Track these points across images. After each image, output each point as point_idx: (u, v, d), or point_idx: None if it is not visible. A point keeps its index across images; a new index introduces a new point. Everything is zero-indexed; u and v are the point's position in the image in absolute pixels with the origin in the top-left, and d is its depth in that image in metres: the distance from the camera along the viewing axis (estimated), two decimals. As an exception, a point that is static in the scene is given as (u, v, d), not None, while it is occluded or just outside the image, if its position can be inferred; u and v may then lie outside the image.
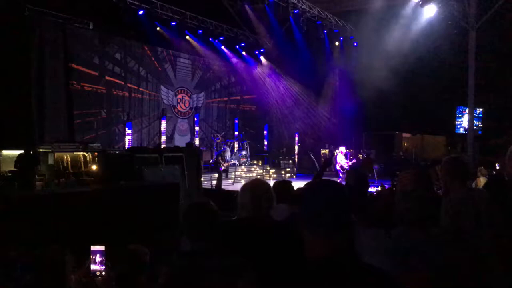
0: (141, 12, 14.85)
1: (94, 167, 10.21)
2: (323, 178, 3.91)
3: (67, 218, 4.65)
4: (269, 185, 2.85)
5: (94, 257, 2.40)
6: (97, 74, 14.92)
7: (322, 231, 1.55)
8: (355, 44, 19.59)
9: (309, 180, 4.64)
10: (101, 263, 2.42)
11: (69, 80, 13.92)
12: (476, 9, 14.86)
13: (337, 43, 19.60)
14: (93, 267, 2.47)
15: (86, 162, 10.57)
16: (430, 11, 14.79)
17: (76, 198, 5.29)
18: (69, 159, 10.37)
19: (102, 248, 2.40)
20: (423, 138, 20.76)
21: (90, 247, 2.41)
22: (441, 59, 16.04)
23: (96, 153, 10.62)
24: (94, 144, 11.33)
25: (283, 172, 18.73)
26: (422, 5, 14.69)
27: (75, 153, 10.50)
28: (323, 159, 18.65)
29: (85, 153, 10.62)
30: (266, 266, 2.07)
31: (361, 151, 18.34)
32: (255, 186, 2.78)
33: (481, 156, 13.55)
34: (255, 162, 18.71)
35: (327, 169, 18.31)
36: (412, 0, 14.75)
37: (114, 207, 5.35)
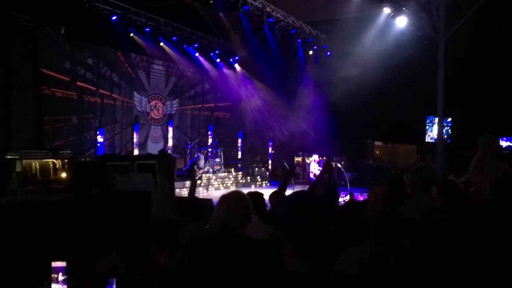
0: (114, 17, 14.66)
1: (63, 174, 9.94)
2: (296, 189, 3.89)
3: (31, 230, 4.46)
4: (246, 198, 2.74)
5: (56, 276, 2.19)
6: (68, 79, 14.61)
7: (297, 245, 1.50)
8: (328, 53, 19.80)
9: (274, 190, 4.61)
10: (63, 282, 2.19)
11: (39, 85, 13.59)
12: (445, 21, 15.22)
13: (311, 52, 19.77)
14: (54, 286, 2.20)
15: (55, 170, 10.27)
16: (401, 23, 15.08)
17: (42, 208, 5.11)
18: (38, 167, 10.06)
19: (63, 264, 2.17)
20: (395, 146, 21.07)
21: (51, 264, 2.18)
22: (412, 69, 16.34)
23: (66, 160, 10.35)
24: (64, 151, 11.03)
25: (257, 179, 18.70)
26: (393, 17, 14.97)
27: (44, 160, 10.20)
28: (296, 166, 18.78)
29: (54, 160, 10.33)
30: (238, 284, 2.01)
31: (334, 159, 18.46)
32: (230, 199, 2.67)
33: (450, 165, 13.81)
34: (229, 169, 18.62)
35: (300, 177, 18.46)
36: (384, 11, 14.99)
37: (83, 217, 5.19)
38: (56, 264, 2.15)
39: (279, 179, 18.51)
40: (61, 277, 2.11)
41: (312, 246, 1.49)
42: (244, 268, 2.15)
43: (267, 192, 4.44)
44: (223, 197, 2.69)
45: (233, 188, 15.86)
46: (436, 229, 2.90)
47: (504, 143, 14.95)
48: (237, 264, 2.22)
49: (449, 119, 17.92)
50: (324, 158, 17.92)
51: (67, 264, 2.17)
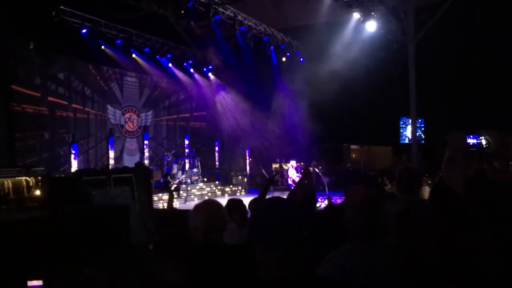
0: (84, 30, 14.50)
1: (38, 192, 9.74)
2: (275, 195, 3.91)
3: (5, 249, 4.36)
4: (221, 206, 2.78)
5: None
6: (39, 95, 14.37)
7: (274, 250, 1.52)
8: (301, 59, 19.98)
9: (254, 197, 4.63)
10: None
11: (9, 102, 13.32)
12: (413, 25, 15.56)
13: (284, 59, 19.92)
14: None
15: (29, 187, 10.06)
16: (371, 27, 15.34)
17: (16, 227, 4.99)
18: (11, 185, 9.84)
19: (39, 283, 2.12)
20: (371, 149, 21.34)
21: (26, 283, 2.13)
22: (384, 73, 16.62)
23: (40, 177, 10.15)
24: (38, 168, 10.82)
25: (235, 188, 18.68)
26: (363, 22, 15.21)
27: (16, 178, 9.98)
28: (275, 173, 18.82)
29: (28, 178, 10.12)
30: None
31: (312, 163, 18.58)
32: (207, 207, 2.70)
33: (426, 164, 14.07)
34: (206, 179, 18.57)
35: (279, 184, 18.51)
36: (353, 16, 15.23)
37: (59, 234, 5.10)
38: (32, 283, 2.12)
39: (258, 186, 18.53)
40: (36, 295, 2.06)
41: (288, 250, 1.51)
42: (223, 274, 2.15)
43: (246, 200, 4.45)
44: (198, 206, 2.72)
45: (212, 198, 15.80)
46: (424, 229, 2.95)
47: (471, 141, 15.26)
48: (216, 270, 2.23)
49: (423, 120, 18.26)
50: (302, 163, 18.04)
51: (43, 282, 2.14)
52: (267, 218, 1.57)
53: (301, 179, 4.59)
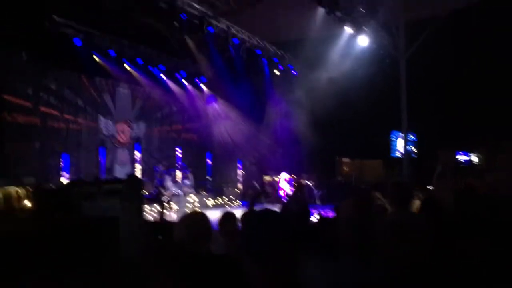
0: (77, 41, 14.51)
1: (28, 203, 9.65)
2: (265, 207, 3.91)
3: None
4: (205, 216, 2.81)
5: None
6: (31, 105, 14.31)
7: (263, 262, 1.53)
8: (294, 72, 20.11)
9: (245, 210, 4.64)
10: None
11: (0, 111, 13.25)
12: (404, 40, 15.76)
13: (277, 72, 20.03)
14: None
15: (19, 198, 9.97)
16: (363, 42, 15.51)
17: (5, 239, 4.94)
18: (1, 195, 9.75)
19: None
20: (362, 162, 21.41)
21: None
22: (376, 87, 16.75)
23: (29, 188, 10.07)
24: (28, 178, 10.77)
25: (227, 200, 18.63)
26: (355, 36, 15.38)
27: (7, 188, 9.89)
28: (263, 186, 18.80)
29: (17, 189, 10.03)
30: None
31: (304, 176, 18.60)
32: (190, 218, 2.74)
33: (416, 178, 14.14)
34: (199, 191, 18.50)
35: (270, 196, 18.49)
36: (346, 31, 15.39)
37: (48, 245, 5.05)
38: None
39: (250, 199, 18.50)
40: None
41: (278, 263, 1.52)
42: (209, 284, 2.16)
43: (238, 213, 4.44)
44: (182, 218, 2.76)
45: (203, 210, 15.73)
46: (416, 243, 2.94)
47: (461, 157, 15.40)
48: (198, 280, 2.24)
49: (414, 134, 18.39)
50: (293, 176, 18.05)
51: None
52: (256, 230, 1.58)
53: (294, 192, 4.61)
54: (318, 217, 4.31)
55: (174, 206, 15.98)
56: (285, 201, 4.67)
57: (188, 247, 2.56)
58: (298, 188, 4.64)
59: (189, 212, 3.03)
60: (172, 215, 15.28)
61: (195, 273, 2.30)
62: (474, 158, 14.25)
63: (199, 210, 3.06)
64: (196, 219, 2.72)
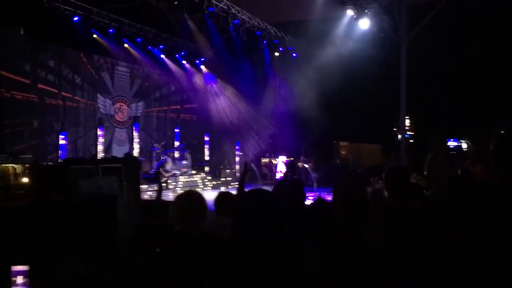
0: (76, 18, 14.35)
1: (25, 179, 9.67)
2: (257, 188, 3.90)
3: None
4: (199, 195, 2.82)
5: (15, 279, 2.14)
6: (28, 81, 14.22)
7: (254, 240, 1.53)
8: (294, 55, 19.97)
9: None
10: (24, 285, 2.17)
11: (-2, 88, 13.18)
12: (406, 24, 15.63)
13: (276, 54, 19.90)
14: (14, 290, 2.13)
15: (16, 175, 9.99)
16: (364, 25, 15.37)
17: (1, 214, 4.95)
18: (-2, 172, 9.76)
19: (25, 268, 2.16)
20: (360, 146, 21.44)
21: (10, 269, 2.15)
22: (376, 70, 16.67)
23: (27, 165, 10.07)
24: (25, 156, 10.76)
25: (225, 181, 18.68)
26: (356, 19, 15.24)
27: (4, 165, 9.90)
28: (248, 165, 18.80)
29: (15, 165, 10.04)
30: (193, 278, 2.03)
31: (301, 159, 18.65)
32: (185, 198, 2.75)
33: (414, 163, 14.16)
34: (195, 172, 18.55)
35: (268, 178, 18.53)
36: (347, 13, 15.24)
37: (45, 222, 5.06)
38: (16, 268, 2.14)
39: (247, 180, 18.56)
40: (20, 280, 2.09)
41: (269, 244, 1.52)
42: (203, 264, 2.18)
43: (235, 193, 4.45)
44: (177, 197, 2.77)
45: (200, 191, 15.78)
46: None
47: (452, 143, 15.39)
48: (195, 260, 2.26)
49: (412, 119, 18.39)
50: (292, 159, 18.10)
51: (29, 268, 2.16)
52: (247, 210, 1.58)
53: (285, 173, 4.60)
54: (314, 199, 4.30)
55: (170, 185, 16.03)
56: (279, 181, 4.63)
57: (182, 227, 2.57)
58: (290, 167, 4.59)
59: (184, 191, 3.04)
60: (169, 195, 15.36)
61: (185, 255, 2.32)
62: (464, 145, 14.27)
63: (195, 190, 3.06)
64: (191, 198, 2.73)
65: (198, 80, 20.57)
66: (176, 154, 18.24)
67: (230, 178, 19.15)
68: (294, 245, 1.79)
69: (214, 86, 20.86)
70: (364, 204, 3.21)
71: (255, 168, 17.21)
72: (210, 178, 18.57)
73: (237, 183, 16.76)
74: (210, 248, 2.26)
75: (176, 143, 19.55)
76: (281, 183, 4.25)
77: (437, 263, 2.35)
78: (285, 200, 3.51)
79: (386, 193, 3.69)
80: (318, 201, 3.87)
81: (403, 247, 2.63)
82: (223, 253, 1.69)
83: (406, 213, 3.09)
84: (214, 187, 17.55)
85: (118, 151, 16.46)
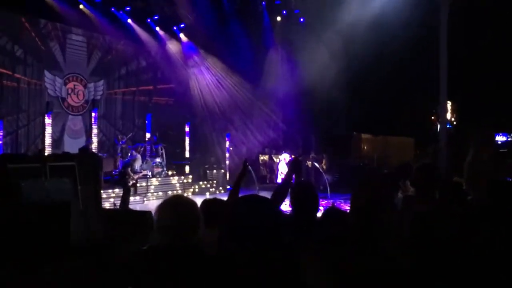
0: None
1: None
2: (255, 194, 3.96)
3: None
4: (194, 202, 2.88)
5: None
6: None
7: (248, 258, 1.59)
8: (301, 20, 19.99)
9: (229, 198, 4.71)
10: None
11: None
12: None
13: (279, 18, 19.91)
14: None
15: None
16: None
17: None
18: None
19: None
20: (387, 140, 21.54)
21: None
22: (410, 45, 16.67)
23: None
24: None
25: (211, 185, 18.74)
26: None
27: None
28: (247, 163, 18.85)
29: None
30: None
31: (311, 157, 18.72)
32: (176, 204, 2.80)
33: (456, 159, 14.26)
34: (173, 172, 18.58)
35: (267, 182, 18.59)
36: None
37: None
38: None
39: (242, 184, 18.60)
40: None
41: (264, 259, 1.58)
42: (197, 281, 2.25)
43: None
44: (162, 204, 2.80)
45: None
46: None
47: (500, 138, 15.45)
48: (190, 277, 2.34)
49: (454, 105, 18.47)
50: (297, 156, 18.18)
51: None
52: (240, 221, 1.64)
53: (288, 174, 4.60)
54: (325, 208, 4.33)
55: (140, 190, 16.09)
56: (279, 185, 4.60)
57: (172, 241, 2.63)
58: (293, 166, 4.52)
59: (173, 195, 3.09)
60: (137, 203, 15.42)
61: (176, 274, 2.40)
62: None
63: (184, 196, 3.12)
64: (183, 203, 2.78)
65: (176, 52, 20.58)
66: (148, 150, 18.27)
67: (218, 181, 19.20)
68: (295, 259, 1.85)
69: (197, 60, 20.87)
70: (390, 214, 3.26)
71: (250, 168, 17.28)
72: (191, 181, 18.60)
73: (229, 187, 16.74)
74: (205, 265, 2.33)
75: (148, 135, 19.59)
76: (281, 188, 4.28)
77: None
78: (293, 206, 3.56)
79: (416, 196, 3.78)
80: (330, 212, 3.92)
81: (432, 268, 2.71)
82: (219, 271, 1.76)
83: (438, 224, 3.16)
84: (197, 193, 17.61)
85: (72, 146, 16.49)
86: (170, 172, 18.46)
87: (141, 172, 15.80)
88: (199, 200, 4.23)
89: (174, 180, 18.01)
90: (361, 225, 2.69)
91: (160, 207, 2.79)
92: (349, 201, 3.53)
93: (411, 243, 2.93)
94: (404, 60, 17.06)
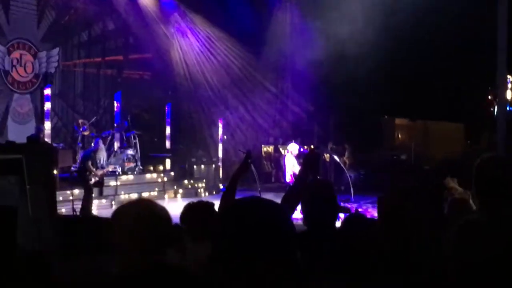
0: None
1: None
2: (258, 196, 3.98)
3: None
4: (164, 210, 2.82)
5: None
6: None
7: (245, 274, 1.61)
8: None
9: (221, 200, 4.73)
10: None
11: None
12: None
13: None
14: None
15: None
16: None
17: None
18: None
19: None
20: (428, 126, 21.57)
21: None
22: (458, 10, 16.69)
23: None
24: None
25: (199, 184, 18.78)
26: None
27: None
28: (247, 153, 18.84)
29: None
30: None
31: (329, 148, 18.74)
32: (137, 212, 2.73)
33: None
34: (149, 168, 18.60)
35: (272, 180, 18.61)
36: None
37: None
38: None
39: (239, 183, 18.62)
40: None
41: (266, 277, 1.61)
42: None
43: (215, 204, 4.52)
44: (118, 212, 2.70)
45: (158, 200, 15.83)
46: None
47: None
48: None
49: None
50: (311, 147, 18.19)
51: None
52: (238, 234, 1.66)
53: (302, 171, 4.63)
54: (346, 215, 4.34)
55: (107, 191, 16.14)
56: (291, 186, 4.61)
57: (133, 258, 2.59)
58: (310, 161, 4.50)
59: (135, 200, 3.07)
60: (103, 207, 15.48)
61: None
62: None
63: (149, 199, 3.08)
64: (147, 210, 2.73)
65: (153, 11, 20.55)
66: (117, 139, 18.30)
67: (208, 180, 19.24)
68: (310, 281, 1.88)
69: (180, 20, 20.84)
70: (431, 223, 3.29)
71: (248, 161, 17.32)
72: (173, 179, 18.65)
73: (222, 187, 16.88)
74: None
75: (117, 120, 19.60)
76: (294, 190, 4.30)
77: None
78: (305, 214, 3.59)
79: (473, 204, 3.77)
80: (353, 220, 3.94)
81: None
82: None
83: (497, 238, 3.17)
84: (180, 195, 17.66)
85: (18, 133, 16.51)
86: (146, 168, 18.49)
87: (106, 168, 15.85)
88: (182, 205, 4.26)
89: (151, 178, 18.03)
90: (393, 238, 2.71)
91: (113, 218, 2.69)
92: (377, 207, 3.57)
93: (458, 262, 2.95)
94: (453, 25, 17.06)
